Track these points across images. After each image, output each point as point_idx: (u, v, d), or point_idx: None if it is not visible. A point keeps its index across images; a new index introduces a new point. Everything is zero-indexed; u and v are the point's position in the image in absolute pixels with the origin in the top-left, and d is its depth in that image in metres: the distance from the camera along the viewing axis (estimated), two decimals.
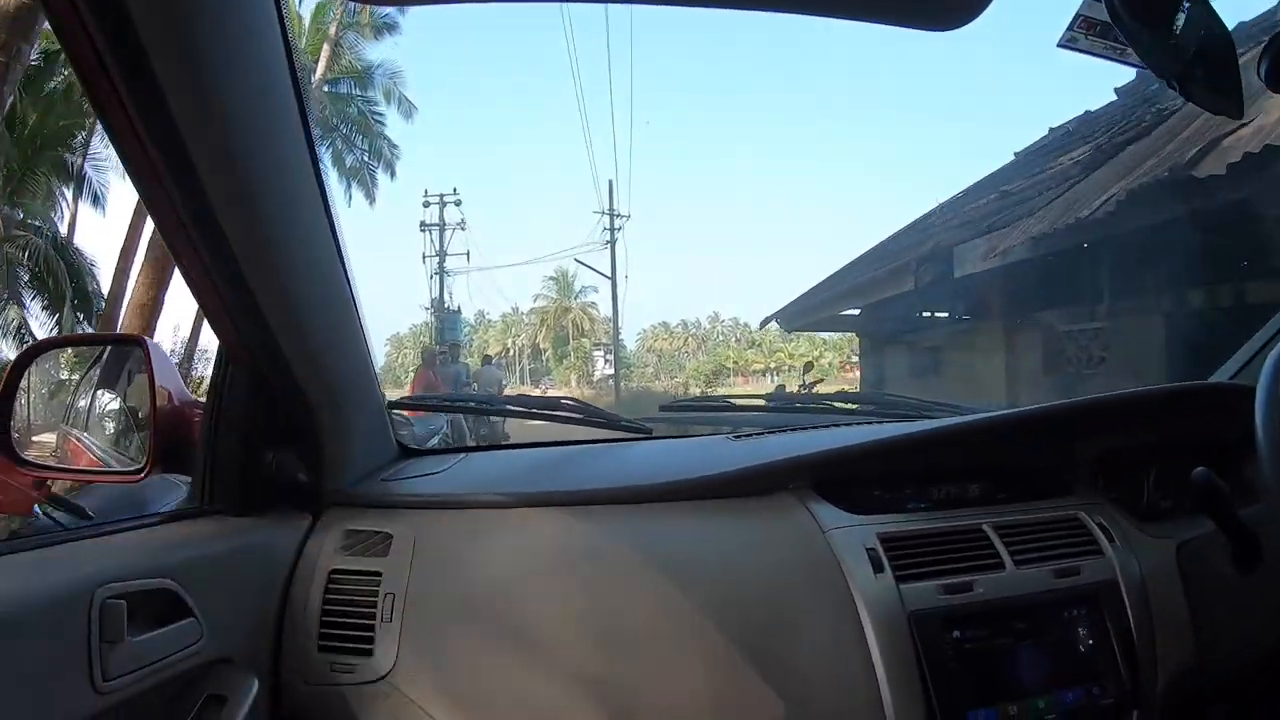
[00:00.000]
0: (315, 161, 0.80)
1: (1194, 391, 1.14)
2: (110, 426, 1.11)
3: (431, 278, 23.56)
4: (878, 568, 0.91)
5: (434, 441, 4.43)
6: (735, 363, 43.75)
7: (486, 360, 12.66)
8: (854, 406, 1.52)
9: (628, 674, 0.87)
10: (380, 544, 0.97)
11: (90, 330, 10.88)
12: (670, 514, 1.00)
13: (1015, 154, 9.59)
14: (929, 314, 8.89)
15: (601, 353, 39.21)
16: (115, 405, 1.08)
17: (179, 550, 0.82)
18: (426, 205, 23.51)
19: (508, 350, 45.84)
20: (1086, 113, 8.46)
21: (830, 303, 9.95)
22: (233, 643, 0.84)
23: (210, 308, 0.82)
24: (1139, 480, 1.10)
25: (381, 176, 18.32)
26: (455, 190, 24.62)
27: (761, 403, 1.54)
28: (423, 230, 23.59)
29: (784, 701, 0.86)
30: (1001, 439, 1.11)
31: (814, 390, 8.81)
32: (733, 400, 1.55)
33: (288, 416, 0.97)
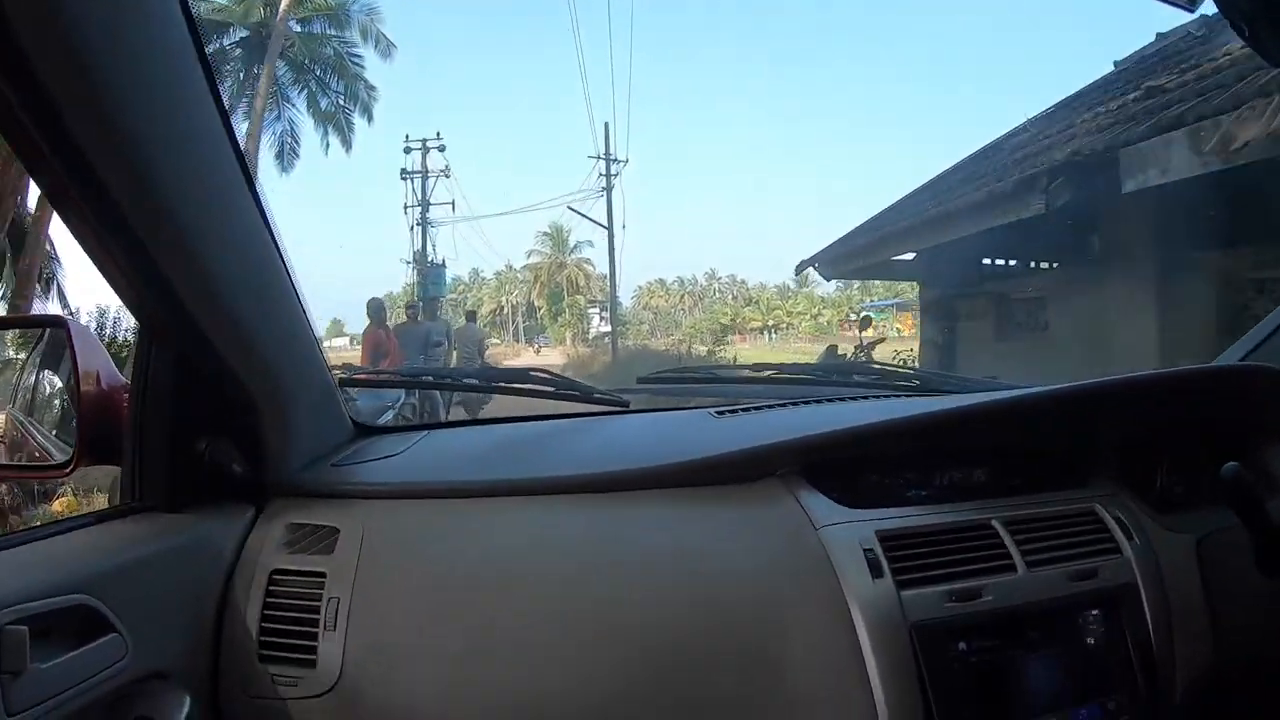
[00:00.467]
0: (225, 120, 0.72)
1: (1237, 373, 1.04)
2: (54, 412, 1.03)
3: (413, 229, 22.25)
4: (876, 572, 0.82)
5: (387, 417, 4.24)
6: (733, 320, 43.72)
7: (470, 317, 11.67)
8: (850, 378, 1.42)
9: (600, 683, 0.80)
10: (325, 540, 0.90)
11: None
12: (648, 503, 0.93)
13: (1115, 64, 8.07)
14: (1023, 261, 7.07)
15: (597, 310, 39.21)
16: (57, 388, 1.00)
17: (98, 558, 0.75)
18: (408, 151, 22.31)
19: (501, 308, 45.77)
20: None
21: (883, 244, 7.86)
22: (165, 656, 0.77)
23: (112, 278, 0.74)
24: (1152, 466, 1.02)
25: (359, 122, 17.49)
26: (439, 135, 23.10)
27: (747, 373, 1.45)
28: (404, 178, 22.31)
29: (769, 704, 0.79)
30: (1023, 421, 1.01)
31: (873, 351, 8.21)
32: (716, 371, 1.49)
33: (221, 399, 0.89)
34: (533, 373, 1.31)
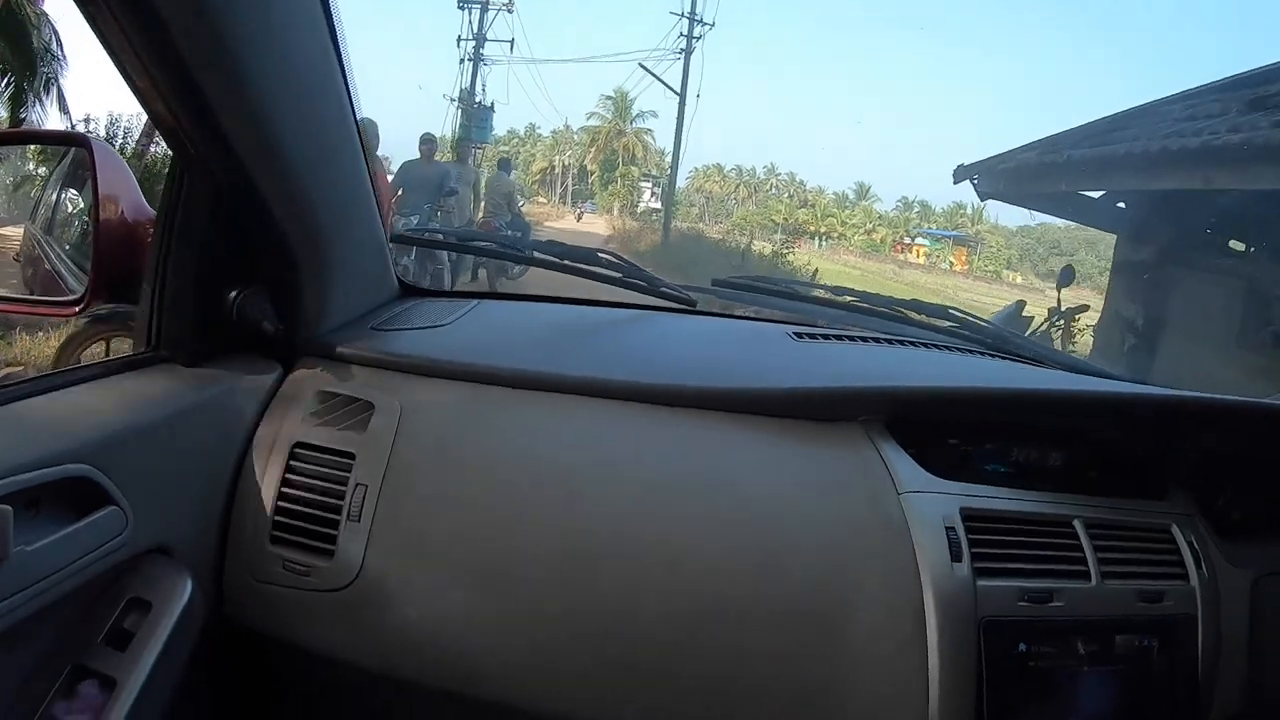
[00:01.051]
0: None
1: None
2: (73, 235, 0.95)
3: (463, 63, 19.97)
4: (956, 554, 0.77)
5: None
6: (785, 219, 42.56)
7: (503, 165, 9.19)
8: (934, 322, 1.33)
9: (641, 618, 0.75)
10: (358, 415, 0.83)
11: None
12: (716, 425, 0.86)
13: None
14: None
15: (649, 184, 38.27)
16: (79, 209, 0.91)
17: (103, 419, 0.67)
18: None
19: (553, 167, 45.11)
20: None
21: (1067, 172, 6.02)
22: (168, 530, 0.71)
23: (141, 90, 0.65)
24: (1218, 487, 0.97)
25: None
26: None
27: (825, 294, 1.35)
28: (461, 7, 19.66)
29: (821, 677, 0.74)
30: (1141, 419, 0.93)
31: (1074, 322, 6.44)
32: (795, 286, 1.38)
33: (257, 243, 0.81)
34: (599, 253, 1.23)
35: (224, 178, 0.75)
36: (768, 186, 48.46)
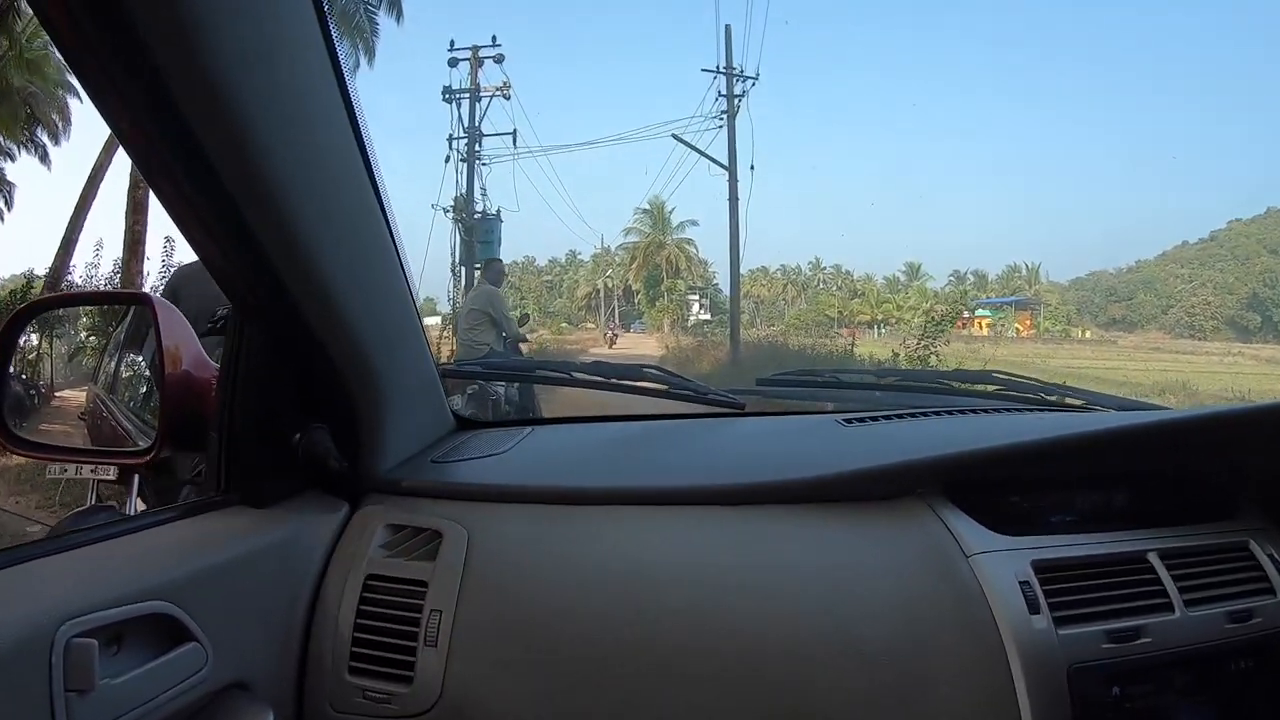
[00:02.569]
0: (341, 85, 0.69)
1: None
2: (138, 392, 1.02)
3: (458, 164, 16.89)
4: (1033, 607, 0.78)
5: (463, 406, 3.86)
6: (840, 313, 42.65)
7: (492, 269, 6.91)
8: (979, 388, 1.36)
9: (728, 714, 0.75)
10: (427, 545, 0.86)
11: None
12: (777, 519, 0.87)
13: None
14: None
15: (696, 297, 38.62)
16: (140, 367, 0.98)
17: (179, 559, 0.71)
18: (453, 64, 17.19)
19: (596, 291, 45.70)
20: None
21: None
22: (247, 665, 0.74)
23: (202, 249, 0.70)
24: None
25: (386, 21, 13.21)
26: (495, 41, 17.47)
27: (871, 379, 1.41)
28: (447, 100, 17.24)
29: None
30: (1185, 443, 0.95)
31: None
32: (839, 375, 1.41)
33: (317, 387, 0.86)
34: (645, 369, 1.28)
35: (281, 324, 0.80)
36: (815, 282, 48.97)
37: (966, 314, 40.98)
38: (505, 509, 0.90)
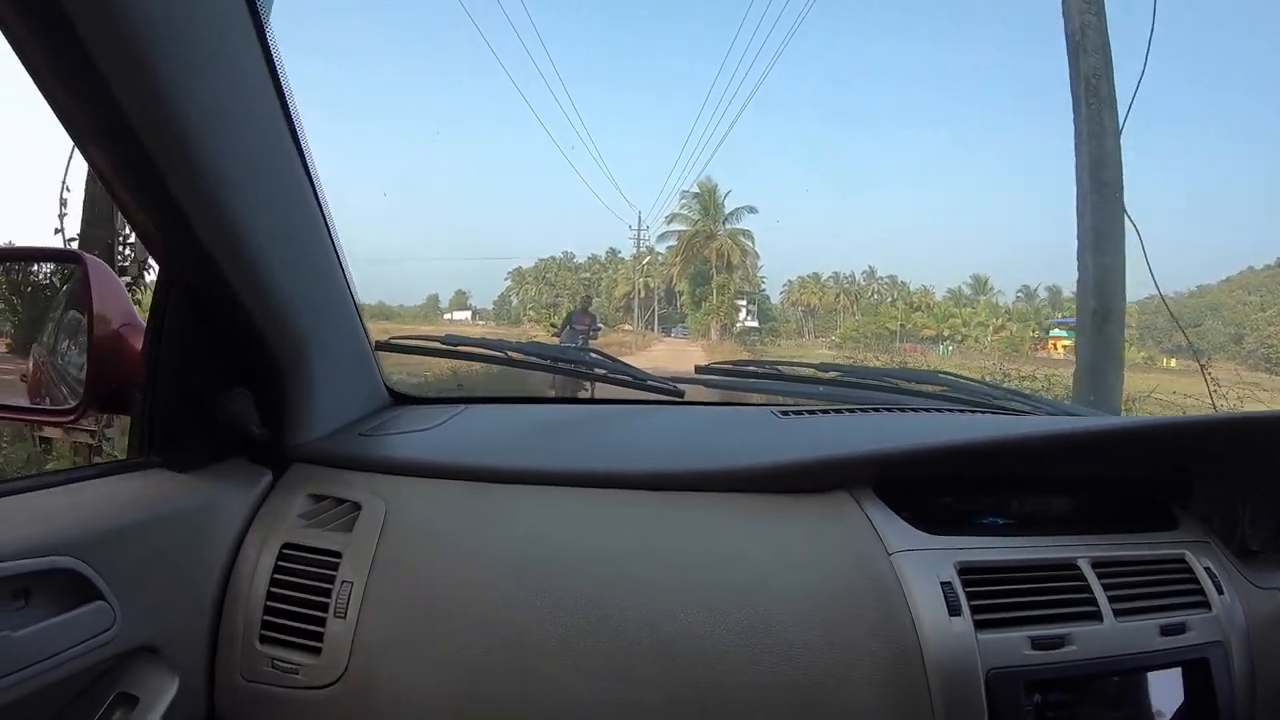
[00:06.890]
0: (265, 47, 0.74)
1: None
2: (76, 351, 1.08)
3: None
4: (954, 609, 0.81)
5: None
6: (902, 325, 41.75)
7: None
8: (922, 388, 1.41)
9: (634, 703, 0.78)
10: (345, 516, 0.92)
11: None
12: (701, 506, 0.92)
13: None
14: None
15: (744, 302, 37.09)
16: (81, 326, 1.04)
17: (92, 516, 0.75)
18: None
19: (635, 290, 43.45)
20: None
21: None
22: (157, 628, 0.78)
23: (125, 206, 0.75)
24: (1235, 512, 1.00)
25: None
26: None
27: (811, 372, 1.44)
28: None
29: None
30: (1128, 450, 0.98)
31: None
32: (779, 367, 1.47)
33: (244, 353, 0.91)
34: (584, 351, 1.36)
35: (205, 287, 0.84)
36: (869, 293, 47.79)
37: (1041, 333, 39.73)
38: (425, 484, 0.95)
